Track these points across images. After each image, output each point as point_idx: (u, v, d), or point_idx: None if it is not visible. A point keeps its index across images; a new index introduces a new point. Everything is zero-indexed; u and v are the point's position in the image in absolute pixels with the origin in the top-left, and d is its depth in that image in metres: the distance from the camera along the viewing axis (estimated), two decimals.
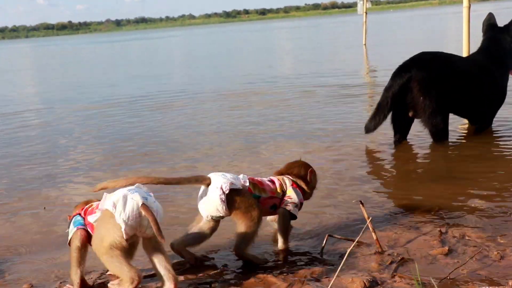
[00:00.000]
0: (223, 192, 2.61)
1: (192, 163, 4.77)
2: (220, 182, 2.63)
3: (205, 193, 2.67)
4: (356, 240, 2.67)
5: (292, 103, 7.65)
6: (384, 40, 20.76)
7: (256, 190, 2.76)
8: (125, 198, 2.35)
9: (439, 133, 4.72)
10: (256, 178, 2.85)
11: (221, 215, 2.68)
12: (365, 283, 2.41)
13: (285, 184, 2.90)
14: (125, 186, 2.48)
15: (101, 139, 6.14)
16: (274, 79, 10.81)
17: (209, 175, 2.69)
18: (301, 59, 16.12)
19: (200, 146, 5.44)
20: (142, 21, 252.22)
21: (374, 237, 2.79)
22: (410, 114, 4.74)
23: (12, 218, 3.78)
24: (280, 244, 2.86)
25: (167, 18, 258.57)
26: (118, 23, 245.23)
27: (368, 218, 2.83)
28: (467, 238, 2.84)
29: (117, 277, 2.47)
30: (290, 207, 2.83)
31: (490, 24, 5.17)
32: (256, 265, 2.68)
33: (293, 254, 2.80)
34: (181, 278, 2.62)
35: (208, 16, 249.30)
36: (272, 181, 2.89)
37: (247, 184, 2.73)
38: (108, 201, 2.38)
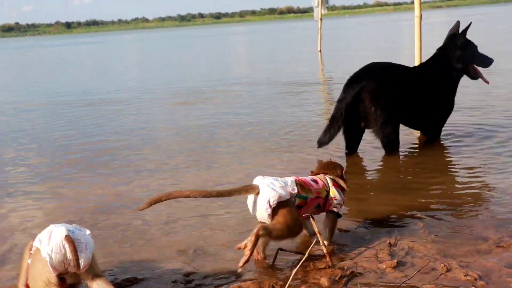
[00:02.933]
0: (270, 206, 2.70)
1: (140, 174, 4.74)
2: (268, 195, 2.71)
3: (253, 199, 2.76)
4: (306, 254, 2.71)
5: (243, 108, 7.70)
6: (339, 47, 21.08)
7: (303, 192, 2.85)
8: (49, 232, 2.39)
9: (390, 144, 4.83)
10: (302, 179, 2.93)
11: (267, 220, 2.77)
12: None
13: (328, 184, 3.00)
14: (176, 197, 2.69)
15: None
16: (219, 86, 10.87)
17: (257, 182, 2.77)
18: (257, 67, 16.19)
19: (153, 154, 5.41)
20: (93, 24, 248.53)
21: (325, 250, 2.83)
22: (362, 124, 4.83)
23: None
24: (327, 243, 2.94)
25: (120, 21, 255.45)
26: (69, 26, 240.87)
27: (318, 231, 2.88)
28: (415, 250, 2.92)
29: None
30: (337, 209, 3.00)
31: (449, 35, 5.26)
32: None
33: (243, 270, 2.81)
34: None
35: (162, 19, 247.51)
36: (316, 181, 2.98)
37: (295, 191, 2.80)
38: (36, 238, 2.41)
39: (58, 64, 20.89)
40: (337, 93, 5.03)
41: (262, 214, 2.74)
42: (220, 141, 5.94)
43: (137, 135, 6.52)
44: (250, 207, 2.80)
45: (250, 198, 2.80)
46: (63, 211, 3.96)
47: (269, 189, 2.74)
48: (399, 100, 4.78)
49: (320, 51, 17.38)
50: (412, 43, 6.62)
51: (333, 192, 3.00)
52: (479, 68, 5.21)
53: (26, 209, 4.07)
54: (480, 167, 4.41)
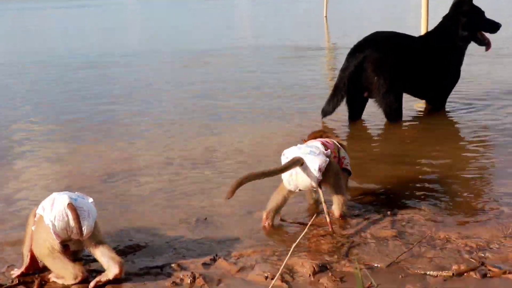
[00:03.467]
0: (320, 172, 2.81)
1: (142, 140, 4.76)
2: (317, 163, 2.80)
3: (294, 170, 2.83)
4: (309, 224, 2.75)
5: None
6: (346, 13, 20.76)
7: (335, 152, 3.02)
8: (52, 200, 2.42)
9: (393, 113, 4.83)
10: (321, 140, 3.03)
11: (312, 189, 2.93)
12: (314, 267, 2.48)
13: (336, 144, 3.11)
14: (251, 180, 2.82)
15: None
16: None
17: (294, 153, 2.85)
18: (261, 32, 16.06)
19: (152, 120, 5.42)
20: None
21: (328, 219, 2.86)
22: (365, 94, 4.83)
23: None
24: (342, 199, 3.00)
25: None
26: None
27: (324, 201, 2.90)
28: (415, 221, 2.94)
29: None
30: (349, 167, 3.16)
31: (455, 2, 5.17)
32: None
33: (245, 238, 2.85)
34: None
35: None
36: (328, 143, 3.06)
37: (330, 153, 2.92)
38: (40, 206, 2.45)
39: (57, 27, 20.74)
40: (342, 59, 5.01)
41: (312, 180, 2.82)
42: (224, 106, 5.93)
43: (141, 98, 6.51)
44: (290, 179, 2.86)
45: (290, 170, 2.85)
46: (66, 177, 3.98)
47: (314, 157, 2.83)
48: (403, 69, 4.76)
49: (325, 16, 17.10)
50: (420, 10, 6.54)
51: (342, 152, 3.13)
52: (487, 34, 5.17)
53: (31, 173, 4.10)
54: (485, 138, 4.41)
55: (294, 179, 2.86)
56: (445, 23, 5.10)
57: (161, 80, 7.89)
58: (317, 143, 2.98)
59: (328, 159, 2.87)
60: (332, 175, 2.90)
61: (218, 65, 8.92)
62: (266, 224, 2.96)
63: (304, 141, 3.21)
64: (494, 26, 5.14)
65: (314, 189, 2.93)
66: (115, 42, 14.19)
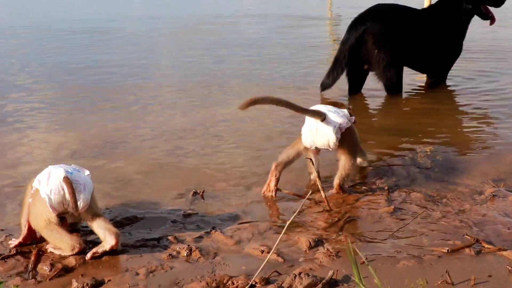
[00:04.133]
0: (340, 131, 2.82)
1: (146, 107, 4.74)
2: (338, 121, 2.82)
3: (315, 125, 2.85)
4: (306, 198, 2.75)
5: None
6: None
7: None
8: (48, 174, 2.43)
9: (393, 87, 4.81)
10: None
11: (328, 148, 2.91)
12: (310, 242, 2.49)
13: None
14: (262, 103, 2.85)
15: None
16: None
17: (319, 109, 2.86)
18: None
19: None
20: None
21: (323, 195, 2.86)
22: (365, 67, 4.80)
23: None
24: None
25: None
26: None
27: (318, 176, 2.92)
28: (412, 197, 2.95)
29: None
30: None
31: None
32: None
33: (241, 212, 2.86)
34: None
35: None
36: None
37: (353, 119, 2.92)
38: (36, 179, 2.46)
39: None
40: (344, 29, 4.96)
41: (330, 139, 2.83)
42: (227, 76, 5.91)
43: (143, 68, 6.46)
44: (309, 134, 2.88)
45: (311, 125, 2.87)
46: (64, 148, 3.96)
47: (337, 116, 2.84)
48: (404, 43, 4.72)
49: None
50: None
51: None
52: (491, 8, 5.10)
53: (31, 142, 4.08)
54: (485, 113, 4.40)
55: (313, 135, 2.87)
56: None
57: (166, 48, 7.84)
58: (343, 110, 2.98)
59: (350, 123, 2.87)
60: (350, 141, 2.90)
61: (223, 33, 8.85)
62: (274, 176, 2.97)
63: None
64: (498, 0, 5.07)
65: (330, 149, 2.91)
66: (118, 8, 14.05)
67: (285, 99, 2.98)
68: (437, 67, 5.14)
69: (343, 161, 2.93)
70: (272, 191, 2.98)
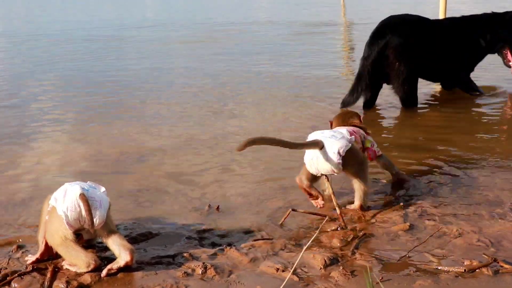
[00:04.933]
0: (341, 157, 2.80)
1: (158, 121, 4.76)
2: (337, 146, 2.81)
3: (315, 154, 2.84)
4: (327, 216, 2.78)
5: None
6: None
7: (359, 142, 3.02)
8: (64, 191, 2.45)
9: (410, 100, 4.80)
10: (348, 129, 3.02)
11: (333, 174, 2.90)
12: (325, 260, 2.47)
13: (361, 134, 3.10)
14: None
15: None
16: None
17: (317, 137, 2.87)
18: (276, 8, 15.92)
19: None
20: None
21: (338, 211, 2.85)
22: (382, 81, 4.81)
23: None
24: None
25: None
26: None
27: (333, 192, 2.90)
28: (428, 213, 2.92)
29: None
30: (380, 152, 3.18)
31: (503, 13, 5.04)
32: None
33: (256, 229, 2.85)
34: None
35: None
36: (354, 132, 3.05)
37: (353, 139, 2.91)
38: (52, 197, 2.47)
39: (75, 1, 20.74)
40: (357, 35, 4.97)
41: (332, 164, 2.81)
42: (238, 88, 5.94)
43: (156, 80, 6.50)
44: (311, 162, 2.87)
45: (311, 154, 2.86)
46: (79, 160, 3.99)
47: (334, 140, 2.82)
48: (422, 55, 4.73)
49: None
50: None
51: (369, 141, 3.12)
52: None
53: (48, 154, 4.13)
54: (501, 128, 4.36)
55: (315, 163, 2.86)
56: (478, 20, 5.00)
57: (175, 58, 7.88)
58: (342, 129, 2.98)
59: (350, 144, 2.86)
60: (355, 162, 2.88)
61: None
62: (306, 190, 2.98)
63: (330, 122, 3.24)
64: None
65: (336, 173, 2.90)
66: (132, 15, 14.16)
67: (278, 138, 3.02)
68: (450, 81, 5.13)
69: (356, 182, 2.93)
70: (319, 199, 2.96)
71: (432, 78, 5.21)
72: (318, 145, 2.83)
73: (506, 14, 4.94)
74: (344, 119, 3.24)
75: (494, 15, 4.98)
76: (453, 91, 5.26)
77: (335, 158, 2.80)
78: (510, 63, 5.01)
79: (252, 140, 2.77)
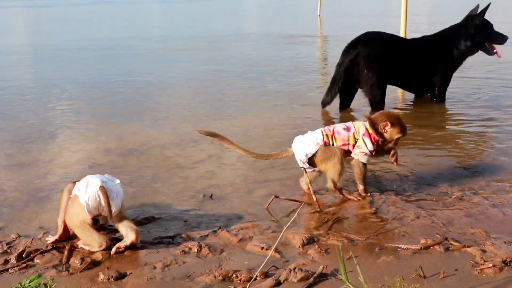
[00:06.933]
0: (304, 163, 3.01)
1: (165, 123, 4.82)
2: (299, 156, 3.02)
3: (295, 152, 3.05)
4: (303, 203, 2.85)
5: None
6: (340, 12, 20.42)
7: (330, 141, 3.02)
8: (86, 183, 2.53)
9: (376, 103, 4.91)
10: (331, 129, 3.05)
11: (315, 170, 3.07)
12: (303, 240, 2.55)
13: (358, 133, 3.03)
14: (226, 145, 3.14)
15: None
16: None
17: (294, 141, 3.06)
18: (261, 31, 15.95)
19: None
20: None
21: (314, 198, 2.93)
22: (356, 86, 4.94)
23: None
24: (361, 188, 3.08)
25: None
26: None
27: (309, 182, 2.98)
28: (391, 201, 3.00)
29: None
30: (358, 156, 3.02)
31: (468, 15, 5.12)
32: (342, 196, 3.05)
33: (244, 213, 2.92)
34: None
35: None
36: (348, 128, 3.05)
37: (321, 143, 2.99)
38: (76, 187, 2.56)
39: (84, 19, 20.65)
40: (331, 50, 5.06)
41: (303, 167, 3.04)
42: (240, 91, 6.07)
43: (162, 85, 6.54)
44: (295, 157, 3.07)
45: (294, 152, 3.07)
46: (92, 154, 4.04)
47: (298, 150, 3.01)
48: (389, 65, 4.84)
49: (319, 16, 16.52)
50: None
51: (360, 141, 3.00)
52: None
53: (64, 151, 4.16)
54: (467, 129, 4.46)
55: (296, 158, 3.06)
56: (448, 32, 5.12)
57: (178, 69, 7.92)
58: (319, 130, 3.04)
59: (313, 150, 2.97)
60: (322, 158, 2.97)
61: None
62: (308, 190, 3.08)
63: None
64: (502, 39, 5.12)
65: (317, 170, 3.05)
66: (137, 30, 14.14)
67: (229, 141, 3.17)
68: (428, 91, 5.24)
69: (327, 173, 3.02)
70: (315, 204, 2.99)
71: (405, 87, 5.36)
72: (289, 153, 3.09)
73: (474, 20, 5.01)
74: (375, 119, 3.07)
75: (463, 24, 5.08)
76: (421, 98, 5.35)
77: (301, 164, 3.02)
78: (495, 50, 5.13)
79: (214, 134, 3.16)
